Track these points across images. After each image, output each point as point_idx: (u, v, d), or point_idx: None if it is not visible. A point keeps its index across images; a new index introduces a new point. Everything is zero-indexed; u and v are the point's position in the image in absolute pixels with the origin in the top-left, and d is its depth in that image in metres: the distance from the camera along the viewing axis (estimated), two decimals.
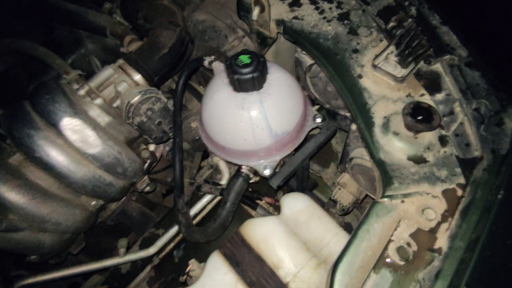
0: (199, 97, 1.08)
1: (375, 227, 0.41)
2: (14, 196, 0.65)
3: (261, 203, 0.91)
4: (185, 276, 0.62)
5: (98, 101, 0.73)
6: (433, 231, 0.41)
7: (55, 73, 0.91)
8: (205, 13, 1.09)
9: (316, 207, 0.62)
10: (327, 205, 0.83)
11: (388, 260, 0.39)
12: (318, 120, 0.76)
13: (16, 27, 0.95)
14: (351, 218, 0.89)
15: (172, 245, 0.96)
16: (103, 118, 0.74)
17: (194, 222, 0.97)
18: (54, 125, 0.67)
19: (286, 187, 0.99)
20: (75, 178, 0.70)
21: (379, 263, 0.38)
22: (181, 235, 0.93)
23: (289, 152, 0.73)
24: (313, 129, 0.79)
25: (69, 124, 0.67)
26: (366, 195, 0.71)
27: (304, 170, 0.80)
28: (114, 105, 0.75)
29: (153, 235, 1.02)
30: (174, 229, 0.94)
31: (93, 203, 0.80)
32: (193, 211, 0.96)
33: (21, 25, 0.93)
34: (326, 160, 0.94)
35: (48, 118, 0.67)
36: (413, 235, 0.41)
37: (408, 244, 0.40)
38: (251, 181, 0.84)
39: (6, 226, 0.63)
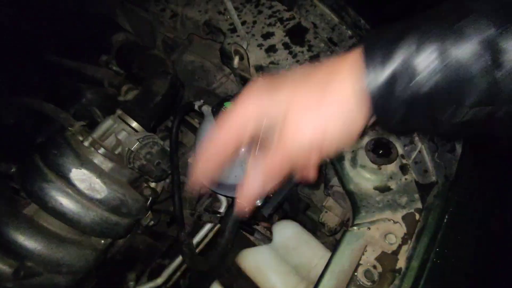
0: (194, 129, 1.17)
1: (346, 254, 0.48)
2: (31, 244, 0.72)
3: (258, 227, 0.98)
4: None
5: (101, 150, 0.80)
6: (395, 253, 0.48)
7: (60, 124, 0.99)
8: (193, 54, 1.19)
9: (304, 233, 0.68)
10: (319, 225, 0.90)
11: (357, 282, 0.46)
12: None
13: (25, 84, 1.05)
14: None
15: (178, 274, 1.02)
16: (106, 165, 0.82)
17: (198, 249, 1.04)
18: (63, 177, 0.75)
19: (281, 211, 1.06)
20: (85, 222, 0.77)
21: (350, 285, 0.45)
22: (185, 264, 0.99)
23: (277, 182, 0.80)
24: None
25: (77, 175, 0.75)
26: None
27: (293, 196, 0.87)
28: (116, 152, 0.83)
29: (159, 265, 1.08)
30: (179, 259, 1.00)
31: (102, 242, 0.87)
32: (195, 240, 1.03)
33: (29, 82, 1.03)
34: (315, 183, 1.01)
35: (57, 171, 0.75)
36: (378, 258, 0.47)
37: (374, 267, 0.47)
38: (246, 210, 0.91)
39: (24, 273, 0.70)
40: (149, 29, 1.23)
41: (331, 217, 0.77)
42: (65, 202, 0.74)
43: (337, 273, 0.45)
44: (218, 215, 1.01)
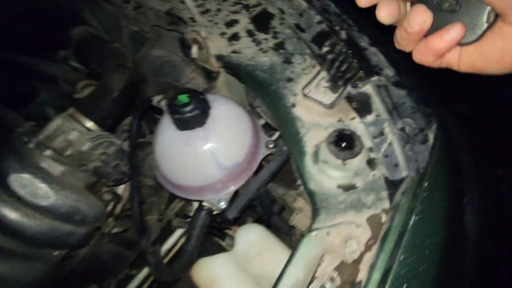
0: None
1: (301, 264, 0.41)
2: None
3: (230, 232, 0.91)
4: None
5: (48, 152, 0.73)
6: (357, 262, 0.41)
7: (7, 126, 0.91)
8: (161, 49, 1.12)
9: (270, 238, 0.62)
10: (291, 229, 0.83)
11: None
12: (271, 146, 0.77)
13: None
14: None
15: (146, 285, 0.95)
16: (56, 168, 0.74)
17: (168, 257, 0.96)
18: (1, 183, 0.67)
19: (255, 214, 0.99)
20: (30, 232, 0.69)
21: None
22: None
23: (243, 183, 0.73)
24: (268, 155, 0.80)
25: (17, 180, 0.67)
26: None
27: (262, 197, 0.80)
28: (66, 154, 0.75)
29: (127, 276, 1.00)
30: (146, 270, 0.93)
31: (55, 253, 0.79)
32: (165, 247, 0.96)
33: None
34: (289, 183, 0.94)
35: None
36: (337, 269, 0.41)
37: (332, 279, 0.40)
38: (214, 213, 0.84)
39: None
40: (115, 23, 1.16)
41: (302, 219, 0.71)
42: (4, 212, 0.66)
43: (291, 287, 0.39)
44: (189, 219, 0.94)
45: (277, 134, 0.92)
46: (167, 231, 1.01)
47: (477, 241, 0.56)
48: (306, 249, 0.42)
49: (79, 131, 0.76)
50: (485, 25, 0.33)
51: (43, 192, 0.69)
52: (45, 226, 0.71)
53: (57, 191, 0.72)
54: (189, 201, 0.99)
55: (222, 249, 0.89)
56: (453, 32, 0.33)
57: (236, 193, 0.74)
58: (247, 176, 0.73)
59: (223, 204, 0.72)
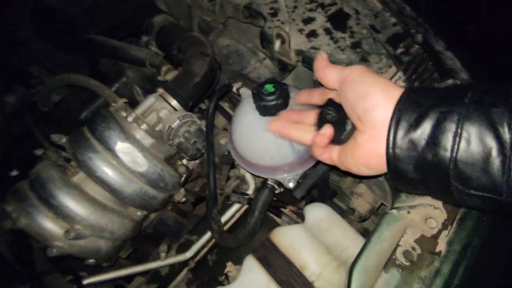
0: (224, 112, 1.20)
1: (385, 234, 0.49)
2: (80, 209, 0.78)
3: (285, 211, 1.00)
4: (223, 277, 0.72)
5: (144, 126, 0.85)
6: (435, 237, 0.49)
7: (103, 101, 1.04)
8: (228, 38, 1.21)
9: (336, 216, 0.70)
10: (346, 212, 0.91)
11: (396, 261, 0.47)
12: None
13: (67, 62, 1.11)
14: (368, 223, 0.96)
15: (206, 250, 1.07)
16: (147, 140, 0.86)
17: (225, 228, 1.07)
18: (109, 149, 0.80)
19: (308, 196, 1.08)
20: (127, 193, 0.82)
21: (389, 264, 0.46)
22: (213, 240, 1.04)
23: (310, 166, 0.82)
24: None
25: (122, 148, 0.80)
26: (381, 204, 0.79)
27: (324, 181, 0.88)
28: (157, 129, 0.87)
29: (187, 241, 1.13)
30: (207, 235, 1.04)
31: (139, 213, 0.92)
32: (223, 218, 1.07)
33: (72, 61, 1.09)
34: (344, 171, 1.02)
35: (104, 143, 0.80)
36: (417, 241, 0.49)
37: (413, 248, 0.48)
38: (276, 192, 0.93)
39: (74, 235, 0.76)
40: (187, 12, 1.26)
41: (361, 203, 0.78)
42: (111, 173, 0.79)
43: (376, 252, 0.47)
44: (246, 196, 1.04)
45: None
46: (223, 206, 1.12)
47: None
48: (390, 223, 0.50)
49: (168, 110, 0.88)
50: (347, 130, 0.51)
51: (140, 160, 0.82)
52: (138, 189, 0.84)
53: (150, 160, 0.84)
54: (259, 177, 1.07)
55: (278, 226, 0.98)
56: (324, 129, 0.52)
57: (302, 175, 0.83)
58: (314, 161, 0.82)
59: (292, 184, 0.81)
